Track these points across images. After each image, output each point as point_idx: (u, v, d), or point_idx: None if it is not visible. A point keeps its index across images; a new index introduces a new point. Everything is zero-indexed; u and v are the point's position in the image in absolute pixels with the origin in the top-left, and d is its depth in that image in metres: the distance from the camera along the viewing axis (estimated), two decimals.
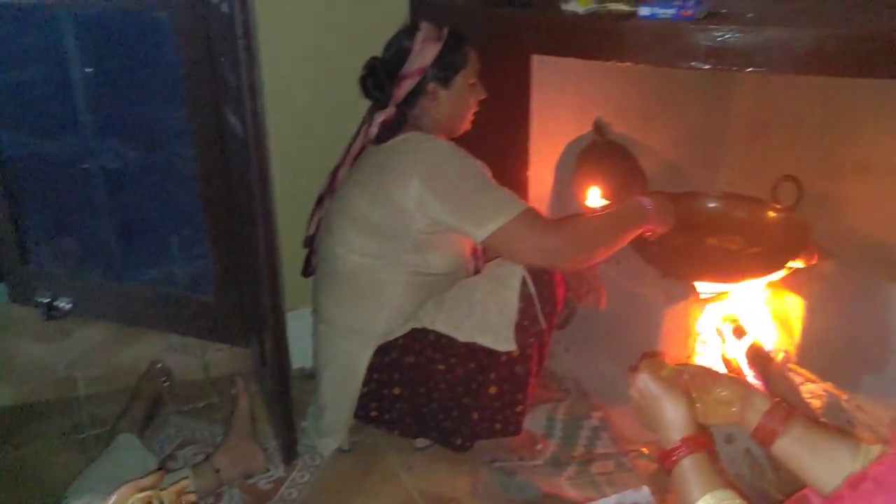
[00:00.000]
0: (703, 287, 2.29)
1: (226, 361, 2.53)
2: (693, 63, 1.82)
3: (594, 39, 1.92)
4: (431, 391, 1.97)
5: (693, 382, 1.37)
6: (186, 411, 2.31)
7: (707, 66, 1.82)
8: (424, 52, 1.90)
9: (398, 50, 1.93)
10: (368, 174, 1.93)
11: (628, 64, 1.93)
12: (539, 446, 2.12)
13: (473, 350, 1.92)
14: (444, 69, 1.92)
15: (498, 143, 2.25)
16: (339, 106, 2.20)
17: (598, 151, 2.57)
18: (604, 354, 2.39)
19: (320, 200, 2.09)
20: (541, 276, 1.90)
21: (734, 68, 1.82)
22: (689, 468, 1.18)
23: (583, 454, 2.11)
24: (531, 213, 1.83)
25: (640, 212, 1.96)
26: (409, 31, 1.94)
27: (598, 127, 2.58)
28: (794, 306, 2.28)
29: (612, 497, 1.89)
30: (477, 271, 2.04)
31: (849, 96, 2.40)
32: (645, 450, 2.12)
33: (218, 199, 2.42)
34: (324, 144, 2.19)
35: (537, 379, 2.06)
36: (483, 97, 2.00)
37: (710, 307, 2.30)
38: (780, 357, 2.26)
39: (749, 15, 1.83)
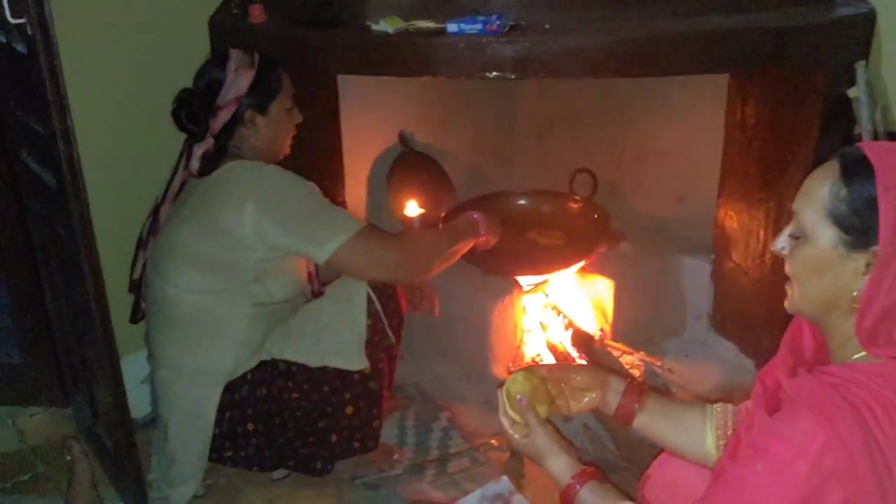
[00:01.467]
0: (524, 280, 2.44)
1: (44, 426, 2.32)
2: (502, 73, 1.94)
3: (408, 57, 1.99)
4: (287, 421, 1.95)
5: (551, 378, 1.47)
6: (10, 487, 2.10)
7: (514, 76, 1.96)
8: (238, 81, 1.86)
9: (210, 80, 1.88)
10: (195, 209, 1.86)
11: (430, 77, 2.03)
12: (396, 456, 2.16)
13: (326, 373, 1.92)
14: (260, 96, 1.89)
15: (312, 163, 2.25)
16: (152, 143, 2.11)
17: (406, 162, 2.65)
18: (440, 357, 2.48)
19: (142, 242, 1.98)
20: (384, 291, 1.94)
21: (540, 75, 1.97)
22: (587, 496, 1.28)
23: (438, 456, 2.17)
24: (370, 230, 1.87)
25: (472, 226, 2.09)
26: (219, 60, 1.90)
27: (403, 139, 2.66)
28: (604, 287, 2.50)
29: (476, 492, 1.96)
30: (314, 294, 2.04)
31: (623, 92, 2.65)
32: (495, 442, 2.22)
33: (17, 255, 2.22)
34: (139, 184, 2.09)
35: (389, 391, 2.10)
36: (300, 120, 2.00)
37: (531, 298, 2.45)
38: (598, 336, 2.46)
39: (546, 26, 1.97)
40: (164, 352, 1.94)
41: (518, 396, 1.41)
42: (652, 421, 1.45)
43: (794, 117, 2.17)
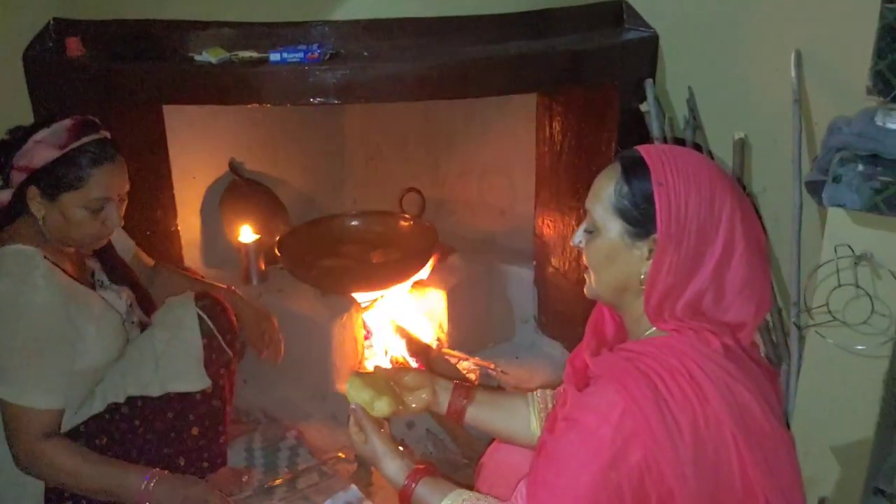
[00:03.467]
0: (361, 297, 2.53)
1: None
2: (325, 99, 2.04)
3: (232, 85, 2.04)
4: (132, 458, 1.91)
5: (393, 379, 1.57)
6: None
7: (336, 101, 2.05)
8: (33, 154, 1.72)
9: (16, 136, 1.78)
10: None
11: (257, 106, 2.08)
12: (245, 478, 2.17)
13: (167, 399, 1.92)
14: (49, 182, 1.72)
15: (141, 192, 2.25)
16: None
17: (237, 190, 2.70)
18: (283, 379, 2.51)
19: None
20: (213, 309, 1.95)
21: (361, 100, 2.08)
22: (423, 491, 1.35)
23: (287, 474, 2.21)
24: (42, 416, 1.73)
25: (132, 490, 1.80)
26: (36, 124, 1.80)
27: (233, 167, 2.70)
28: (438, 299, 2.63)
29: (326, 503, 2.03)
30: (142, 323, 2.03)
31: (444, 115, 2.82)
32: (342, 455, 2.29)
33: None
34: None
35: (232, 407, 2.11)
36: (114, 226, 1.81)
37: (369, 314, 2.55)
38: (435, 345, 2.58)
39: (364, 53, 2.09)
40: None
41: (352, 405, 1.49)
42: (481, 413, 1.56)
43: (596, 130, 2.39)
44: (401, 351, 2.52)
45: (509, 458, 1.58)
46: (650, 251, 1.19)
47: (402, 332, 2.54)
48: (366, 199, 2.96)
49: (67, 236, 1.78)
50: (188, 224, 2.55)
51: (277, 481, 2.18)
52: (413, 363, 2.50)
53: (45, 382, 1.74)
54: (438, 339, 2.62)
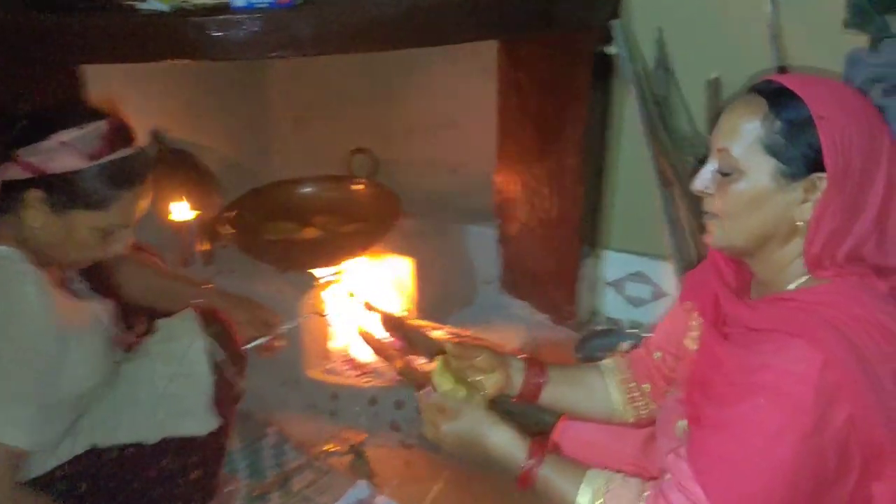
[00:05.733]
0: (322, 272, 2.30)
1: None
2: (299, 52, 1.78)
3: (187, 39, 1.73)
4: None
5: (458, 360, 1.39)
6: None
7: (315, 54, 1.80)
8: (55, 156, 1.38)
9: (30, 123, 1.41)
10: None
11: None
12: (230, 488, 1.92)
13: (165, 444, 1.59)
14: (64, 193, 1.39)
15: None
16: None
17: (163, 162, 2.37)
18: (250, 368, 2.24)
19: None
20: (223, 337, 1.64)
21: (341, 51, 1.84)
22: (551, 473, 1.17)
23: (277, 476, 1.98)
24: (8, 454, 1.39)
25: None
26: (59, 115, 1.43)
27: (157, 136, 2.37)
28: (401, 266, 2.44)
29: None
30: (129, 345, 1.66)
31: (382, 69, 2.60)
32: (332, 447, 2.08)
33: None
34: None
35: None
36: (117, 252, 1.50)
37: (333, 288, 2.32)
38: (406, 315, 2.40)
39: None
40: None
41: (424, 391, 1.31)
42: (557, 391, 1.42)
43: (566, 78, 2.26)
44: (371, 325, 2.32)
45: (584, 436, 1.45)
46: (806, 192, 1.07)
47: (372, 308, 2.33)
48: (298, 164, 2.69)
49: (62, 252, 1.46)
50: None
51: (267, 486, 1.94)
52: (387, 337, 2.30)
53: (18, 412, 1.39)
54: (408, 310, 2.44)
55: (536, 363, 1.43)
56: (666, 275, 2.49)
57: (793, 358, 1.01)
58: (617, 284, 2.59)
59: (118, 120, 1.47)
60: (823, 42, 2.11)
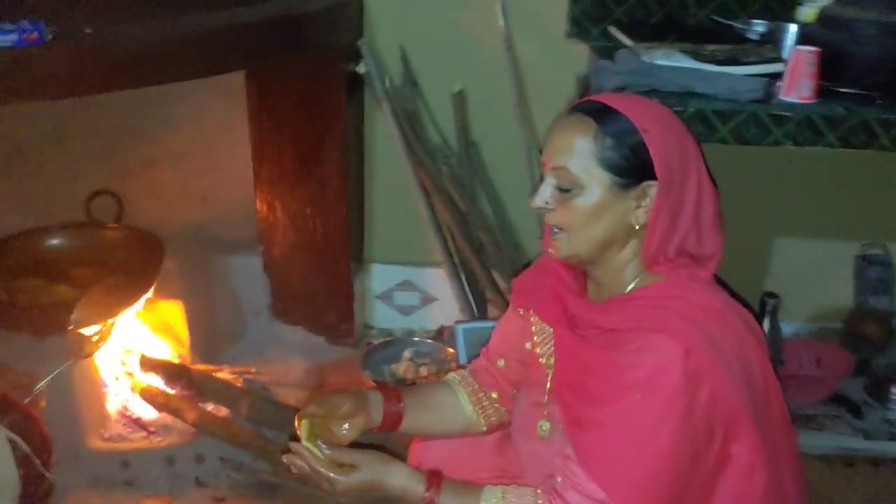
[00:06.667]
0: (87, 331, 2.07)
1: None
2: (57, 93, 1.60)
3: None
4: None
5: (322, 413, 1.34)
6: None
7: (72, 95, 1.63)
8: None
9: None
10: None
11: None
12: None
13: None
14: None
15: None
16: None
17: None
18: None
19: None
20: (23, 425, 1.43)
21: (98, 91, 1.68)
22: (451, 499, 1.22)
23: None
24: None
25: None
26: None
27: None
28: (171, 311, 2.28)
29: None
30: None
31: (106, 99, 2.38)
32: None
33: None
34: None
35: None
36: None
37: (104, 349, 2.10)
38: (183, 362, 2.25)
39: (87, 30, 1.67)
40: None
41: (318, 443, 1.26)
42: (415, 417, 1.41)
43: (319, 98, 2.27)
44: (151, 380, 2.14)
45: (442, 454, 1.46)
46: (638, 199, 1.20)
47: (150, 361, 2.15)
48: (29, 213, 2.37)
49: None
50: None
51: None
52: (170, 389, 2.14)
53: None
54: (181, 356, 2.28)
55: (391, 392, 1.42)
56: (433, 280, 2.61)
57: (658, 352, 1.13)
58: (385, 296, 2.66)
59: None
60: (552, 52, 2.35)
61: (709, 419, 1.15)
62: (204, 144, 2.49)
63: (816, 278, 2.60)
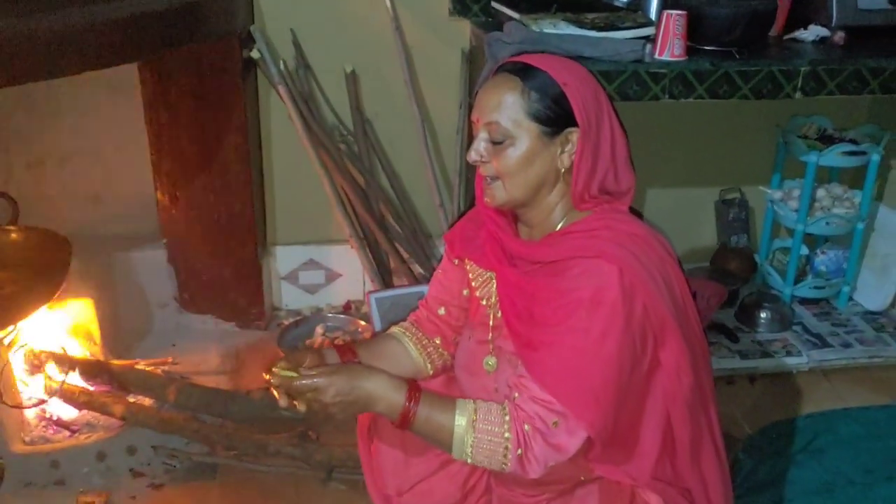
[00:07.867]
0: None
1: None
2: None
3: None
4: None
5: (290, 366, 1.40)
6: None
7: None
8: None
9: None
10: None
11: None
12: None
13: None
14: None
15: None
16: None
17: None
18: None
19: None
20: None
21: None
22: (428, 408, 1.30)
23: None
24: None
25: None
26: None
27: None
28: (81, 310, 2.24)
29: None
30: None
31: None
32: None
33: None
34: None
35: None
36: None
37: (15, 351, 2.06)
38: (106, 357, 2.23)
39: None
40: None
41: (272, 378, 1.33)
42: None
43: (216, 86, 2.30)
44: (69, 378, 2.11)
45: None
46: (562, 144, 1.34)
47: (67, 360, 2.12)
48: None
49: None
50: None
51: None
52: (88, 385, 2.12)
53: None
54: (93, 354, 2.25)
55: (346, 348, 1.51)
56: (336, 257, 2.69)
57: (597, 274, 1.29)
58: (291, 276, 2.71)
59: None
60: (437, 30, 2.47)
61: (643, 328, 1.31)
62: (93, 140, 2.46)
63: (683, 223, 2.88)
